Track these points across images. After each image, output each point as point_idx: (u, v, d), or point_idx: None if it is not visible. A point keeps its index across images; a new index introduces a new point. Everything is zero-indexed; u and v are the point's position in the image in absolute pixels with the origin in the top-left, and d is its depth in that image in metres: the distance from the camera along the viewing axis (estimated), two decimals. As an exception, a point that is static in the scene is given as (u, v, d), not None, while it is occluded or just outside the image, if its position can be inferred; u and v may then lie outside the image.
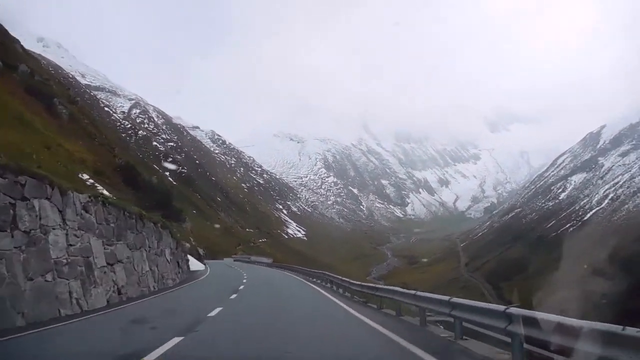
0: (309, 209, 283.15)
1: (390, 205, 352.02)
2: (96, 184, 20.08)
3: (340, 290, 21.18)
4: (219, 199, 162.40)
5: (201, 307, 13.74)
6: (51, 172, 13.34)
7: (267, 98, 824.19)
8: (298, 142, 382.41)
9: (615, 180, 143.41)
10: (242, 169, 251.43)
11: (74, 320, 11.43)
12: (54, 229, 12.01)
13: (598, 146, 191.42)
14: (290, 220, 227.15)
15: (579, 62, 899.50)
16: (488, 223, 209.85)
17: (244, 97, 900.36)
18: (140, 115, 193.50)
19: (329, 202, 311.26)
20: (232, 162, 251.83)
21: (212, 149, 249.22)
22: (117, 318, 12.36)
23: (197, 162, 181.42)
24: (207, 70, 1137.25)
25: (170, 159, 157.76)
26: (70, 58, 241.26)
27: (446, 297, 9.06)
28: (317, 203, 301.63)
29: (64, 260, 12.42)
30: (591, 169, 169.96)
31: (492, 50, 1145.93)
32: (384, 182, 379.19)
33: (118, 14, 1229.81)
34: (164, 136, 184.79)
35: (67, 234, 12.74)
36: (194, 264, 40.16)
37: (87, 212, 14.22)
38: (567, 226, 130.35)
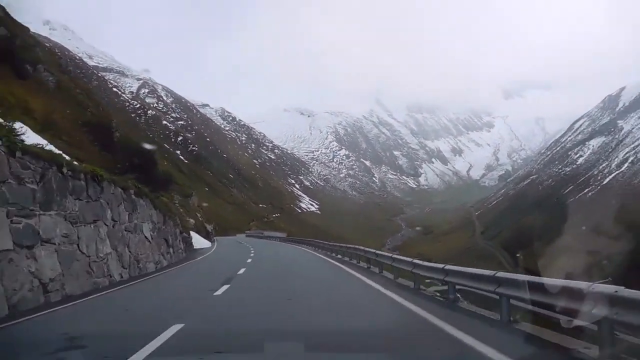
0: (321, 183, 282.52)
1: (403, 176, 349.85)
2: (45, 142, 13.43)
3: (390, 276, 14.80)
4: (231, 176, 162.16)
5: (159, 317, 8.67)
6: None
7: (276, 73, 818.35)
8: (309, 116, 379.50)
9: (636, 143, 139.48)
10: (253, 145, 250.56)
11: None
12: None
13: (617, 109, 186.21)
14: (303, 195, 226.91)
15: (595, 26, 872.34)
16: (503, 191, 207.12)
17: (253, 74, 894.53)
18: (149, 95, 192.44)
19: (341, 175, 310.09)
20: (243, 138, 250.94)
21: (222, 126, 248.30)
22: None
23: (207, 139, 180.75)
24: (215, 47, 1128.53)
25: (181, 138, 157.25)
26: (78, 40, 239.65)
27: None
28: (329, 176, 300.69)
29: None
30: (610, 133, 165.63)
31: (505, 16, 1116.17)
32: (396, 153, 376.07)
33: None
34: (173, 115, 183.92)
35: None
36: (199, 242, 38.13)
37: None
38: (585, 191, 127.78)
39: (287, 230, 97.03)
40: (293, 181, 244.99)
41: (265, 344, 5.92)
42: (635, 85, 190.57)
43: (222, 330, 7.49)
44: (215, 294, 11.42)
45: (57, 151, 13.23)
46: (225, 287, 12.50)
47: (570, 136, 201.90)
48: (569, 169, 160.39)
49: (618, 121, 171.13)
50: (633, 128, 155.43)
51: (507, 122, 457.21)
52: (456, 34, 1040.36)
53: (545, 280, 6.04)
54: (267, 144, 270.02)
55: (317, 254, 28.74)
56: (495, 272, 7.71)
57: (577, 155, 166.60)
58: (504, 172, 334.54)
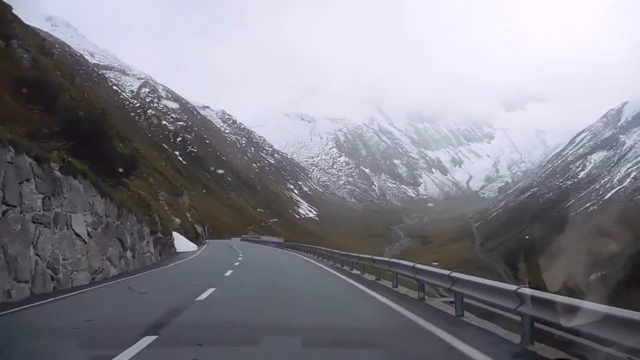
0: (320, 189, 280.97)
1: (403, 185, 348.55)
2: None
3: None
4: (230, 179, 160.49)
5: None
6: None
7: (278, 78, 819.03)
8: (309, 122, 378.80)
9: (639, 158, 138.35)
10: (252, 148, 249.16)
11: None
12: None
13: (619, 124, 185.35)
14: (301, 200, 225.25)
15: (597, 40, 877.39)
16: (503, 203, 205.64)
17: (254, 78, 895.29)
18: (150, 94, 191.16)
19: (340, 182, 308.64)
20: (243, 142, 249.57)
21: (222, 128, 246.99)
22: None
23: (207, 141, 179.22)
24: (218, 51, 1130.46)
25: (180, 139, 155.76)
26: (79, 37, 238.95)
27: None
28: (328, 183, 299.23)
29: None
30: (612, 147, 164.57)
31: (507, 28, 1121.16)
32: (396, 161, 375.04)
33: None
34: (173, 115, 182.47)
35: None
36: (184, 245, 34.92)
37: None
38: (587, 205, 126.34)
39: (285, 236, 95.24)
40: (292, 186, 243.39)
41: None
42: (638, 100, 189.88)
43: None
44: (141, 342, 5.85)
45: None
46: (173, 321, 7.64)
47: (571, 149, 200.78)
48: (570, 183, 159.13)
49: (620, 136, 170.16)
50: (635, 143, 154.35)
51: (507, 134, 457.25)
52: (458, 45, 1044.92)
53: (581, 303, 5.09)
54: (267, 148, 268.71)
55: (320, 265, 22.10)
56: (518, 286, 6.23)
57: (579, 169, 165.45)
58: (503, 184, 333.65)
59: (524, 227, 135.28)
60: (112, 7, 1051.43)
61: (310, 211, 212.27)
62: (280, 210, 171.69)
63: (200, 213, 76.02)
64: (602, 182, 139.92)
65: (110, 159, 18.00)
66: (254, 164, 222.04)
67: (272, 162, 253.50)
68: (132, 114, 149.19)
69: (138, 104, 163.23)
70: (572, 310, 5.04)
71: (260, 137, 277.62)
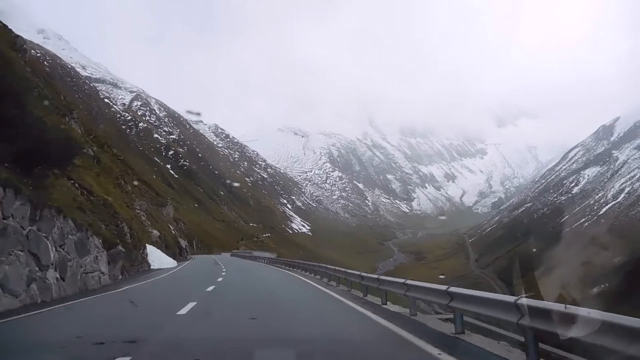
0: (313, 204, 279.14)
1: (396, 200, 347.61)
2: None
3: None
4: (222, 193, 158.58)
5: None
6: None
7: (271, 93, 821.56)
8: (302, 137, 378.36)
9: (632, 174, 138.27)
10: (245, 163, 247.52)
11: None
12: None
13: (612, 139, 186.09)
14: (294, 215, 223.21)
15: (587, 56, 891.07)
16: (497, 218, 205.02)
17: (247, 92, 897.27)
18: (142, 108, 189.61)
19: (334, 197, 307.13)
20: (236, 156, 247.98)
21: (215, 142, 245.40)
22: None
23: (199, 155, 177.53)
24: (211, 65, 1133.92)
25: (172, 152, 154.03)
26: (72, 50, 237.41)
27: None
28: (322, 198, 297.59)
29: None
30: (605, 162, 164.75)
31: (498, 44, 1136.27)
32: (389, 176, 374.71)
33: (123, 9, 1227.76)
34: (165, 129, 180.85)
35: None
36: (160, 260, 31.23)
37: None
38: (582, 221, 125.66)
39: (277, 251, 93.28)
40: (285, 201, 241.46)
41: None
42: (630, 115, 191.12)
43: None
44: None
45: None
46: None
47: (564, 165, 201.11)
48: (564, 198, 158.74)
49: (613, 151, 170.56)
50: (628, 158, 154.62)
51: (499, 150, 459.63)
52: (450, 61, 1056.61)
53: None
54: (260, 162, 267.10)
55: (318, 287, 17.02)
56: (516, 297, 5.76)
57: (573, 184, 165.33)
58: (497, 199, 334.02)
59: (519, 243, 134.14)
60: (105, 21, 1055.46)
61: (303, 226, 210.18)
62: (273, 225, 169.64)
63: (190, 226, 74.11)
64: (597, 197, 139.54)
65: (27, 136, 11.43)
66: (246, 178, 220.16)
67: (265, 176, 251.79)
68: (123, 127, 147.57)
69: (130, 117, 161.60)
70: (571, 318, 4.63)
71: (253, 151, 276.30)
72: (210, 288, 15.54)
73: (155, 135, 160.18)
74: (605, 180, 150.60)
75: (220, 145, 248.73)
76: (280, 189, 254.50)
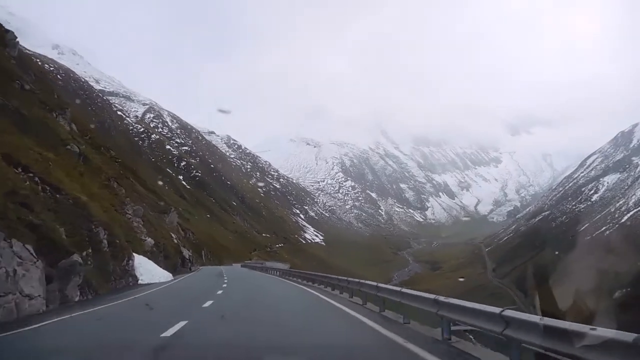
0: (326, 214, 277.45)
1: (410, 210, 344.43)
2: None
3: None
4: (234, 203, 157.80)
5: None
6: None
7: (283, 103, 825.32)
8: (314, 147, 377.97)
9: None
10: (258, 173, 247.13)
11: None
12: None
13: (631, 145, 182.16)
14: (307, 225, 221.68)
15: (601, 64, 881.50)
16: (514, 227, 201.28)
17: (259, 103, 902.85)
18: (154, 120, 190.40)
19: (347, 207, 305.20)
20: (248, 166, 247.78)
21: (227, 153, 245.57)
22: None
23: (211, 166, 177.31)
24: (223, 77, 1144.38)
25: (184, 163, 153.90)
26: (85, 65, 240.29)
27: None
28: (334, 207, 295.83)
29: None
30: (625, 169, 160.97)
31: (512, 53, 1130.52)
32: (402, 186, 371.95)
33: (138, 23, 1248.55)
34: (178, 140, 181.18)
35: None
36: (153, 273, 26.49)
37: None
38: (602, 229, 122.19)
39: (291, 262, 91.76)
40: (298, 211, 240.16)
41: None
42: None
43: None
44: None
45: None
46: None
47: (582, 172, 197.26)
48: (583, 206, 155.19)
49: (633, 158, 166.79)
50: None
51: (514, 158, 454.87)
52: (462, 69, 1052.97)
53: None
54: (273, 172, 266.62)
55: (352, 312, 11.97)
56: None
57: (592, 192, 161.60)
58: (512, 208, 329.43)
59: (537, 252, 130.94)
60: (120, 35, 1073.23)
61: (316, 236, 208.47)
62: (286, 235, 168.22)
63: (200, 237, 72.91)
64: (617, 205, 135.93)
65: None
66: (259, 189, 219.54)
67: (278, 186, 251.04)
68: (135, 139, 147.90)
69: (142, 129, 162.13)
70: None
71: (265, 161, 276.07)
72: (179, 325, 8.93)
73: (168, 147, 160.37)
74: (626, 187, 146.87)
75: (232, 156, 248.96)
76: (293, 199, 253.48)
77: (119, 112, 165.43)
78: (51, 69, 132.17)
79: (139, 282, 23.54)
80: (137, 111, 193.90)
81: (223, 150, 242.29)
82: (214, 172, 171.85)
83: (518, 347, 5.75)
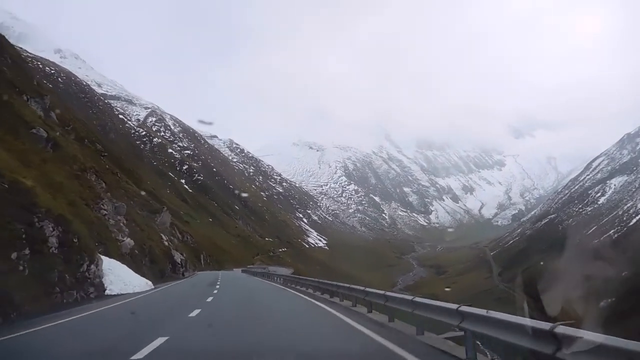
0: (329, 218, 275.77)
1: (414, 214, 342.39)
2: None
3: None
4: (237, 207, 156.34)
5: None
6: None
7: (286, 107, 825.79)
8: (317, 150, 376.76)
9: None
10: (260, 177, 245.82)
11: None
12: None
13: (638, 147, 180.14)
14: (310, 229, 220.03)
15: (604, 66, 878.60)
16: (519, 230, 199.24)
17: (262, 107, 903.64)
18: (157, 124, 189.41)
19: (350, 211, 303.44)
20: (251, 170, 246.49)
21: (230, 157, 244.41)
22: None
23: (214, 169, 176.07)
24: (226, 81, 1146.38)
25: (186, 166, 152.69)
26: (88, 69, 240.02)
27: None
28: (338, 211, 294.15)
29: None
30: (632, 172, 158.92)
31: (515, 55, 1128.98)
32: (406, 189, 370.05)
33: (140, 28, 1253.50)
34: (180, 144, 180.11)
35: None
36: (125, 281, 21.37)
37: None
38: (610, 232, 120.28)
39: (294, 266, 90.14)
40: (301, 215, 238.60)
41: None
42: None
43: None
44: None
45: None
46: None
47: (588, 175, 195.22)
48: (590, 209, 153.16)
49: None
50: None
51: (518, 161, 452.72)
52: (465, 73, 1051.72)
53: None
54: (275, 176, 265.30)
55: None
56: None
57: (598, 195, 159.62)
58: (517, 211, 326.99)
59: (544, 256, 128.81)
60: (122, 40, 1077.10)
61: (319, 240, 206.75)
62: (289, 239, 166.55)
63: (199, 240, 71.34)
64: (625, 207, 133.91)
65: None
66: (262, 193, 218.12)
67: (281, 190, 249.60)
68: (137, 142, 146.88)
69: (144, 133, 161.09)
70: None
71: (268, 165, 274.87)
72: None
73: (170, 150, 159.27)
74: (634, 189, 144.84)
75: (235, 159, 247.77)
76: (296, 203, 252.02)
77: (120, 116, 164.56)
78: (52, 72, 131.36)
79: (107, 292, 18.82)
80: (139, 115, 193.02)
81: (225, 154, 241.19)
82: (216, 175, 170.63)
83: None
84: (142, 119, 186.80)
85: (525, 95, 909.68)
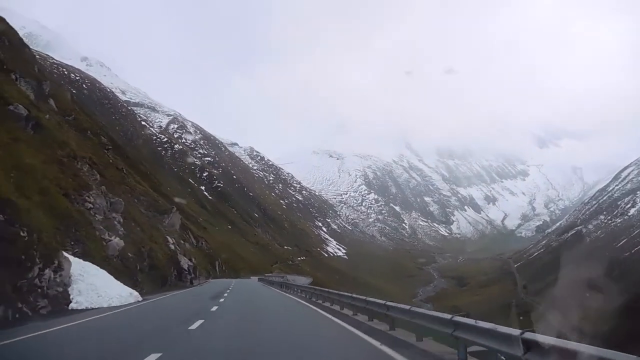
0: (349, 227, 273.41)
1: (435, 224, 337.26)
2: None
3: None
4: (256, 215, 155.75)
5: None
6: None
7: (306, 115, 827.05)
8: (337, 159, 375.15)
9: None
10: (280, 185, 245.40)
11: None
12: None
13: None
14: (330, 238, 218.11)
15: (631, 75, 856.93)
16: (544, 242, 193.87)
17: (283, 115, 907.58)
18: (178, 130, 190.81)
19: (370, 220, 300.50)
20: (271, 178, 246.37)
21: (250, 165, 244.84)
22: None
23: (234, 177, 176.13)
24: (247, 89, 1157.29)
25: (206, 173, 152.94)
26: (112, 76, 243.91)
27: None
28: (357, 220, 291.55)
29: None
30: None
31: (540, 62, 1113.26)
32: (427, 199, 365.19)
33: (166, 36, 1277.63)
34: (201, 151, 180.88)
35: None
36: (100, 292, 16.91)
37: None
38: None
39: (313, 275, 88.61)
40: (320, 224, 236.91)
41: None
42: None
43: None
44: None
45: None
46: None
47: (617, 185, 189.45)
48: (619, 220, 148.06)
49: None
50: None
51: (542, 171, 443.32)
52: (487, 80, 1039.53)
53: None
54: (295, 184, 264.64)
55: None
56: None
57: (629, 206, 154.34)
58: (541, 222, 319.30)
59: (572, 269, 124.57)
60: (148, 48, 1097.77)
61: (339, 249, 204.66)
62: (309, 248, 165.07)
63: (215, 247, 70.32)
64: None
65: None
66: (281, 201, 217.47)
67: (300, 198, 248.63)
68: (158, 148, 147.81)
69: (165, 139, 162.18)
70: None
71: (288, 173, 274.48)
72: None
73: (190, 157, 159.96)
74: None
75: (255, 167, 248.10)
76: (316, 211, 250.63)
77: (142, 122, 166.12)
78: (77, 78, 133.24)
79: (71, 306, 14.72)
80: (161, 121, 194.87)
81: (246, 162, 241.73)
82: (236, 183, 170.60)
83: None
84: (164, 126, 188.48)
85: (550, 103, 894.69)
